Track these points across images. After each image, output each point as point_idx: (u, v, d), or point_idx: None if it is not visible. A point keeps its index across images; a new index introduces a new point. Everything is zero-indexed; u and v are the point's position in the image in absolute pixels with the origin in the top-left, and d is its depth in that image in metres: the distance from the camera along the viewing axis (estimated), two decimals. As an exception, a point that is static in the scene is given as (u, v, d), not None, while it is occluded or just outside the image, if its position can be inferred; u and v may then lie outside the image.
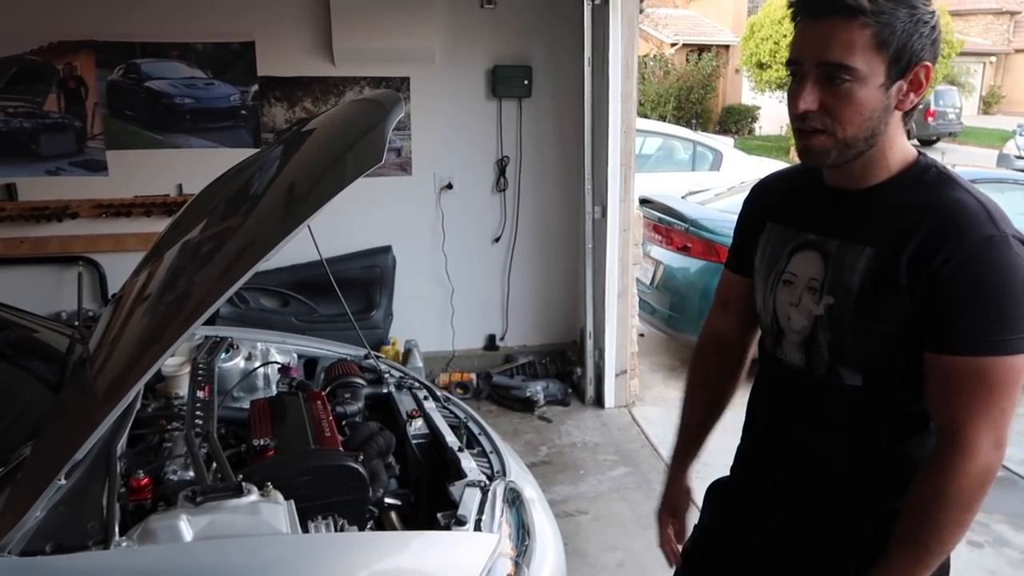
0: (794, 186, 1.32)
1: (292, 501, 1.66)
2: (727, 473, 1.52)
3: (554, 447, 3.60)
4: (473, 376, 4.20)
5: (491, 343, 4.43)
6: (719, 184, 6.23)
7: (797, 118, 1.14)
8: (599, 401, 4.03)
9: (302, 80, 3.84)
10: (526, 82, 4.01)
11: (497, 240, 4.28)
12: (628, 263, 3.87)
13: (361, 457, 1.91)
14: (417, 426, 2.23)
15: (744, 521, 1.37)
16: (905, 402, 1.17)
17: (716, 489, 1.50)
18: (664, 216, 4.73)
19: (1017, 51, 27.73)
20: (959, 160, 15.74)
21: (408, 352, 4.03)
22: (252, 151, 3.74)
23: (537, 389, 4.00)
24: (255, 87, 3.79)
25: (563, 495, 3.16)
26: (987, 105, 27.70)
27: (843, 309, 1.16)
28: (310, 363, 2.81)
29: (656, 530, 1.59)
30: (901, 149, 1.16)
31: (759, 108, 20.63)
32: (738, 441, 1.48)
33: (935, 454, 1.11)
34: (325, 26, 3.76)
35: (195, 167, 3.70)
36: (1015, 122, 21.38)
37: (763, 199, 1.39)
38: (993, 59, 27.91)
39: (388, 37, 3.76)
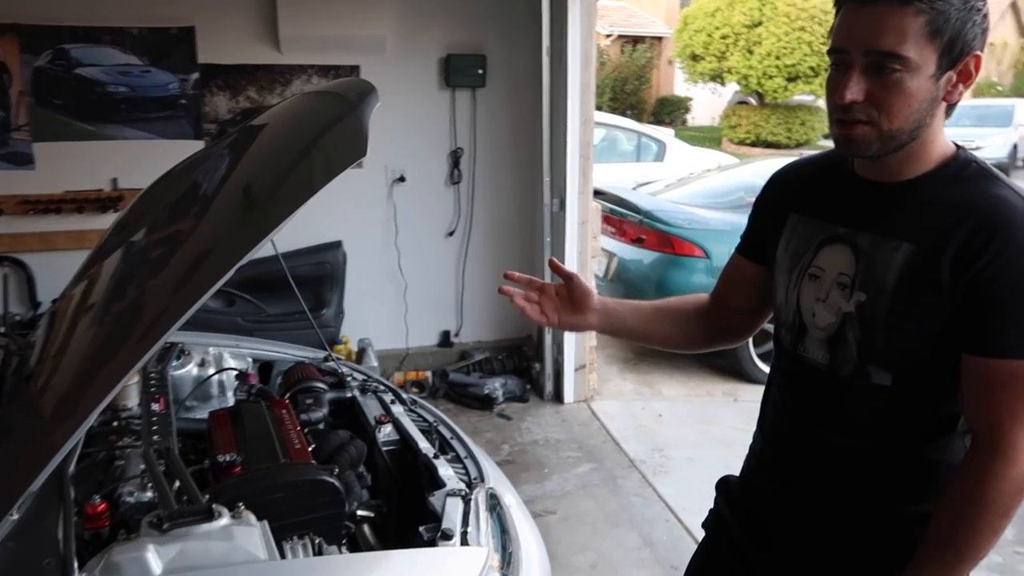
0: (820, 176, 1.27)
1: (265, 521, 1.55)
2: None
3: (516, 445, 3.54)
4: (429, 374, 4.10)
5: (445, 340, 4.33)
6: (667, 175, 6.27)
7: (840, 108, 1.08)
8: (558, 397, 3.98)
9: (246, 68, 3.65)
10: (480, 72, 3.91)
11: (451, 234, 4.18)
12: (587, 256, 3.83)
13: (336, 470, 1.80)
14: (386, 432, 2.13)
15: (763, 525, 1.33)
16: (934, 404, 1.14)
17: (727, 485, 1.45)
18: (617, 208, 4.72)
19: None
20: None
21: (362, 351, 3.90)
22: (193, 142, 3.55)
23: (496, 386, 3.92)
24: (195, 75, 3.59)
25: (529, 495, 3.09)
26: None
27: (876, 307, 1.11)
28: (264, 367, 2.66)
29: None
30: (941, 143, 1.12)
31: (691, 99, 20.98)
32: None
33: (972, 458, 1.08)
34: (270, 11, 3.58)
35: (131, 160, 3.48)
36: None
37: (784, 189, 1.33)
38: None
39: (337, 24, 3.61)
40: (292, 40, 3.62)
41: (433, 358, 4.28)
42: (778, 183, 1.36)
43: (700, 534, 2.87)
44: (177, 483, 1.69)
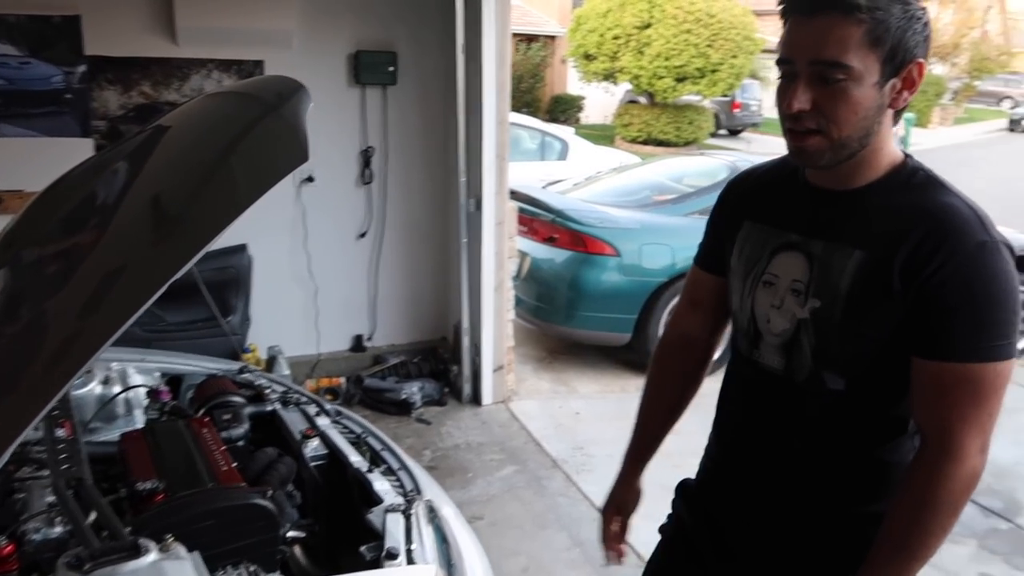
0: (773, 184, 1.29)
1: (197, 552, 1.44)
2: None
3: (438, 450, 3.48)
4: (343, 380, 3.98)
5: (358, 344, 4.21)
6: (572, 174, 6.33)
7: (789, 118, 1.10)
8: (476, 399, 3.95)
9: (139, 61, 3.41)
10: (391, 69, 3.82)
11: (363, 235, 4.07)
12: (504, 257, 3.81)
13: (270, 492, 1.70)
14: (313, 447, 2.03)
15: (721, 529, 1.34)
16: (885, 407, 1.17)
17: (687, 489, 1.46)
18: (528, 207, 4.71)
19: (805, 50, 30.57)
20: (764, 148, 17.22)
21: (272, 359, 3.73)
22: (80, 140, 3.30)
23: (413, 390, 3.85)
24: (82, 68, 3.32)
25: (455, 501, 2.99)
26: (781, 98, 30.42)
27: (830, 312, 1.13)
28: (173, 382, 2.49)
29: (600, 526, 1.54)
30: (889, 150, 1.15)
31: (585, 98, 21.38)
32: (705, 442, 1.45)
33: (922, 459, 1.12)
34: (165, 0, 3.36)
35: (11, 159, 3.19)
36: (806, 115, 23.69)
37: (739, 197, 1.35)
38: (786, 57, 30.65)
39: (240, 16, 3.43)
40: (190, 32, 3.42)
41: (346, 363, 4.15)
42: (732, 192, 1.37)
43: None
44: (92, 516, 1.55)
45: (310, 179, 3.85)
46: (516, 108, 17.81)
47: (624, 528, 1.51)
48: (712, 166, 5.22)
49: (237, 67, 3.57)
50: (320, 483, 1.97)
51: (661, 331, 4.40)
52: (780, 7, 1.10)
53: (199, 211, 1.56)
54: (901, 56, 1.06)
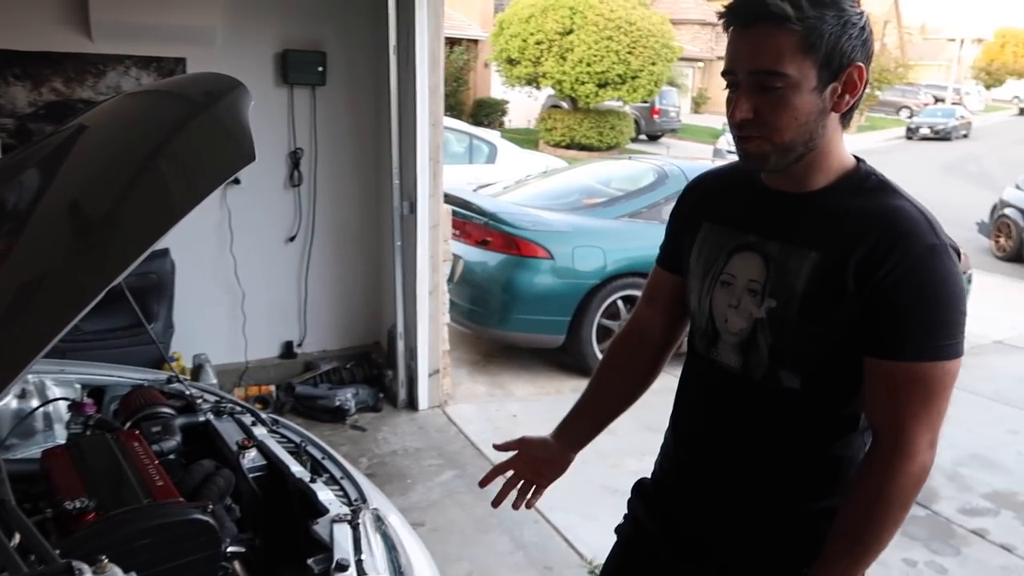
0: (731, 186, 1.31)
1: (134, 574, 1.36)
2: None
3: (375, 457, 3.42)
4: (272, 388, 3.86)
5: (288, 351, 4.10)
6: (500, 177, 6.34)
7: (735, 127, 1.14)
8: (412, 404, 3.89)
9: (51, 56, 3.22)
10: (320, 69, 3.74)
11: (292, 239, 3.96)
12: (439, 260, 3.77)
13: (210, 507, 1.62)
14: (251, 457, 1.95)
15: (677, 527, 1.35)
16: (839, 404, 1.20)
17: (643, 489, 1.46)
18: (461, 210, 4.69)
19: (720, 58, 31.43)
20: (681, 154, 17.70)
21: (199, 368, 3.59)
22: (-15, 139, 3.08)
23: (347, 396, 3.76)
24: (-14, 62, 3.12)
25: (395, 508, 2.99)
26: (697, 105, 31.42)
27: (786, 312, 1.16)
28: (95, 394, 2.36)
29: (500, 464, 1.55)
30: (840, 154, 1.18)
31: (508, 102, 21.50)
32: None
33: (874, 455, 1.15)
34: (79, -8, 3.19)
35: (-93, 159, 2.96)
36: (721, 121, 24.60)
37: (698, 198, 1.37)
38: (701, 64, 31.69)
39: (159, 11, 3.28)
40: (105, 26, 3.25)
41: (276, 371, 4.03)
42: (691, 193, 1.40)
43: (569, 532, 2.92)
44: (16, 539, 1.44)
45: (236, 181, 3.71)
46: (440, 112, 17.73)
47: (527, 480, 1.51)
48: (640, 170, 5.31)
49: (157, 64, 3.42)
50: (259, 495, 1.90)
51: (595, 333, 4.49)
52: (720, 20, 1.13)
53: (128, 218, 1.48)
54: (838, 61, 1.09)
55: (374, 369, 4.09)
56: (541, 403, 4.16)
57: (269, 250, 3.94)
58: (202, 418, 2.13)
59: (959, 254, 1.12)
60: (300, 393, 3.82)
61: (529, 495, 1.50)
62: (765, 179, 1.24)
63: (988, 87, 55.62)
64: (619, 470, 3.35)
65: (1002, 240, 9.83)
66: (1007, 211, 10.11)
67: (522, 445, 1.49)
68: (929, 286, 1.08)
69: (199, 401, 2.20)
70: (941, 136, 27.62)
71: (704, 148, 19.97)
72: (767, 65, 1.08)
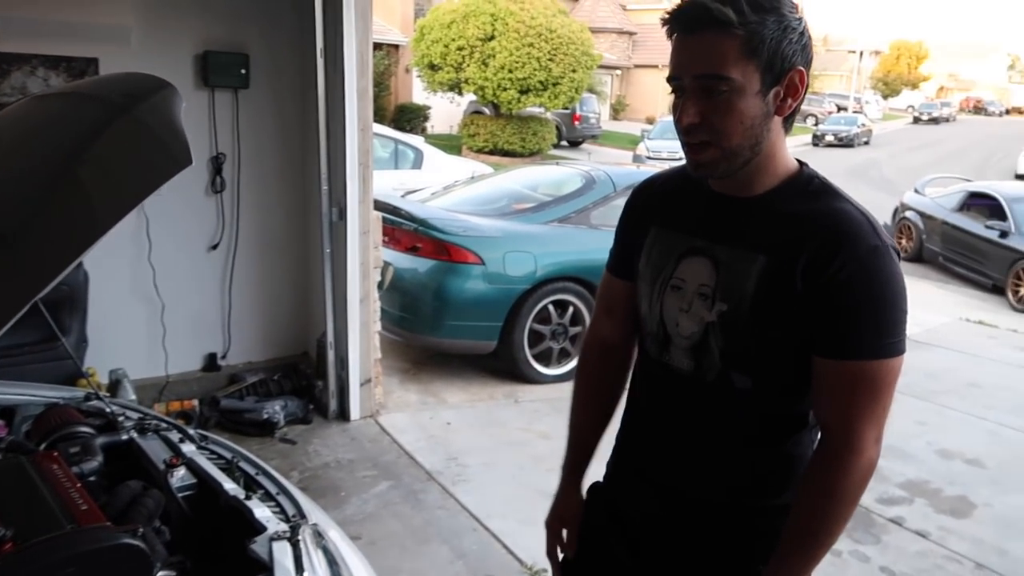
0: (678, 191, 1.33)
1: (60, 606, 1.28)
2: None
3: (306, 471, 3.32)
4: (196, 403, 3.71)
5: (212, 363, 3.95)
6: (427, 182, 6.29)
7: (683, 132, 1.16)
8: (343, 414, 3.81)
9: (-53, 54, 3.02)
10: (243, 71, 3.62)
11: (215, 247, 3.82)
12: (369, 267, 3.70)
13: (140, 530, 1.54)
14: (180, 476, 1.87)
15: (630, 528, 1.36)
16: (789, 403, 1.23)
17: (597, 491, 1.47)
18: (390, 216, 4.63)
19: (637, 66, 32.48)
20: (603, 159, 18.00)
21: (116, 383, 3.41)
22: None
23: (275, 409, 3.65)
24: None
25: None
26: (616, 112, 32.04)
27: (737, 315, 1.18)
28: (4, 414, 2.21)
29: (546, 540, 1.52)
30: (784, 157, 1.21)
31: (430, 108, 21.39)
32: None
33: (824, 452, 1.18)
34: (-21, -13, 3.00)
35: None
36: (639, 127, 25.16)
37: (645, 203, 1.38)
38: (619, 72, 32.34)
39: (69, 8, 3.12)
40: (9, 22, 3.07)
41: (199, 384, 3.87)
42: (639, 198, 1.41)
43: (508, 539, 2.91)
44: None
45: (154, 187, 3.56)
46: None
47: (571, 540, 1.48)
48: (568, 175, 5.36)
49: (67, 65, 3.24)
50: (191, 515, 1.82)
51: (527, 338, 4.50)
52: (664, 27, 1.15)
53: (44, 232, 1.39)
54: (780, 65, 1.12)
55: (303, 380, 3.98)
56: (475, 410, 4.14)
57: (190, 259, 3.79)
58: (125, 436, 2.03)
59: (899, 255, 1.16)
60: (225, 407, 3.69)
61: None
62: (712, 184, 1.26)
63: (885, 97, 58.84)
64: (555, 474, 3.31)
65: (903, 241, 10.39)
66: (907, 214, 10.70)
67: (564, 529, 1.50)
68: (874, 286, 1.12)
69: (121, 419, 2.10)
70: (845, 143, 29.04)
71: (624, 154, 20.38)
72: (712, 69, 1.10)
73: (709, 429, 1.26)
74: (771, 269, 1.16)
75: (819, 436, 1.22)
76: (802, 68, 1.14)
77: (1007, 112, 65.53)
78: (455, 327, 4.41)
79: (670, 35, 1.15)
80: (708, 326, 1.21)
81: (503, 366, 4.57)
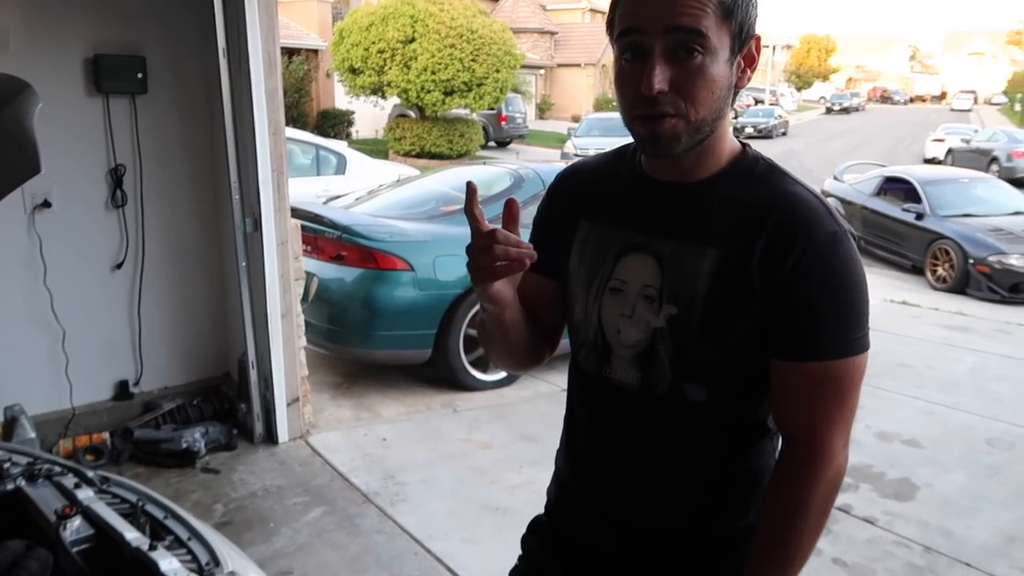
0: (609, 178, 1.18)
1: None
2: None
3: (231, 502, 3.08)
4: (106, 436, 3.42)
5: (123, 391, 3.65)
6: (352, 188, 6.07)
7: (646, 102, 0.98)
8: (271, 437, 3.58)
9: None
10: (139, 75, 3.35)
11: (119, 266, 3.53)
12: (290, 279, 3.48)
13: (21, 602, 1.33)
14: (75, 528, 1.65)
15: (583, 564, 1.21)
16: (748, 412, 1.11)
17: (539, 525, 1.31)
18: (311, 224, 4.41)
19: (560, 65, 32.67)
20: (531, 158, 17.98)
21: (12, 421, 3.10)
22: None
23: (195, 437, 3.39)
24: None
25: (259, 557, 2.70)
26: (542, 111, 32.14)
27: (689, 319, 1.04)
28: None
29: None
30: (730, 137, 1.09)
31: (354, 112, 20.99)
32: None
33: (788, 462, 1.06)
34: None
35: None
36: (565, 126, 25.29)
37: (572, 193, 1.22)
38: (542, 72, 32.45)
39: (-66, 9, 2.81)
40: None
41: (110, 415, 3.58)
42: (562, 186, 1.25)
43: (451, 560, 2.75)
44: None
45: (46, 204, 3.27)
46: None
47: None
48: (496, 174, 5.22)
49: (-64, 72, 2.92)
50: (87, 572, 1.60)
51: (462, 344, 4.33)
52: None
53: None
54: (746, 31, 1.00)
55: (225, 403, 3.73)
56: (412, 422, 3.96)
57: (92, 280, 3.49)
58: (10, 486, 1.79)
59: (856, 240, 1.05)
60: (140, 438, 3.41)
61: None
62: (647, 168, 1.11)
63: (799, 89, 60.99)
64: (498, 486, 3.22)
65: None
66: (828, 200, 10.97)
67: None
68: (836, 276, 1.00)
69: (6, 465, 1.86)
70: (764, 134, 29.85)
71: (552, 152, 20.39)
72: (689, 23, 0.94)
73: (661, 448, 1.13)
74: (724, 264, 1.02)
75: (781, 444, 1.10)
76: (758, 35, 1.03)
77: (911, 100, 68.86)
78: (387, 337, 4.22)
79: None
80: (655, 332, 1.07)
81: (440, 375, 4.40)
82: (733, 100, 1.07)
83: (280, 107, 3.28)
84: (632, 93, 0.99)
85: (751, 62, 1.03)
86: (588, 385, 1.19)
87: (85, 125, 3.34)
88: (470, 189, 1.04)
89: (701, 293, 1.03)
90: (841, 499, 3.24)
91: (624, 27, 0.98)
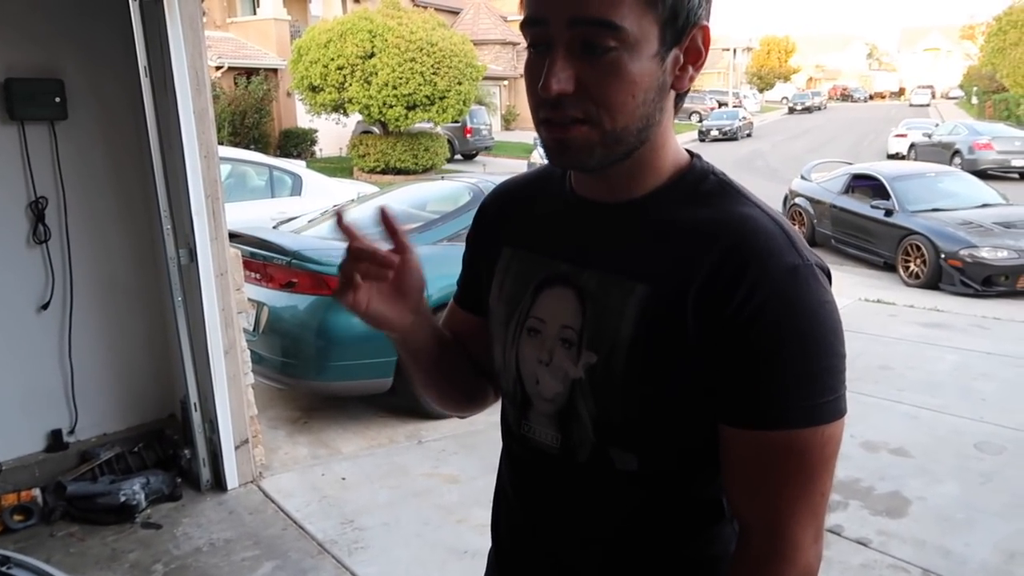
0: (536, 199, 0.98)
1: None
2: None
3: (173, 561, 2.81)
4: (37, 492, 3.13)
5: (57, 441, 3.36)
6: (307, 209, 5.82)
7: (546, 105, 0.79)
8: (219, 484, 3.31)
9: None
10: (57, 99, 3.09)
11: (45, 306, 3.25)
12: (232, 313, 3.23)
13: None
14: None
15: None
16: (695, 488, 0.89)
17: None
18: (258, 251, 4.16)
19: (523, 75, 32.61)
20: (498, 170, 17.83)
21: (-76, 486, 2.81)
22: None
23: (134, 489, 3.12)
24: None
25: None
26: (507, 122, 32.06)
27: (610, 370, 0.83)
28: None
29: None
30: (673, 148, 0.88)
31: (317, 131, 20.69)
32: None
33: (745, 559, 0.83)
34: None
35: None
36: (531, 136, 25.18)
37: (496, 216, 1.02)
38: (506, 82, 32.38)
39: None
40: None
41: (42, 468, 3.29)
42: (489, 210, 1.05)
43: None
44: None
45: (-42, 244, 2.99)
46: (244, 145, 16.83)
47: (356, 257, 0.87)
48: (455, 189, 5.02)
49: None
50: None
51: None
52: None
53: None
54: (684, 17, 0.79)
55: (169, 448, 3.46)
56: (373, 457, 3.71)
57: (16, 322, 3.21)
58: None
59: (829, 276, 0.82)
60: (73, 493, 3.12)
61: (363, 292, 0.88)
62: (575, 185, 0.91)
63: (761, 90, 61.79)
64: (466, 525, 2.99)
65: (796, 228, 10.58)
66: (797, 200, 10.93)
67: (404, 254, 0.89)
68: (796, 321, 0.77)
69: None
70: (729, 136, 30.09)
71: (519, 163, 20.28)
72: (598, 13, 0.75)
73: (586, 525, 0.91)
74: (653, 303, 0.82)
75: (738, 532, 0.87)
76: (707, 24, 0.82)
77: (871, 97, 70.10)
78: (345, 368, 3.98)
79: None
80: (574, 384, 0.86)
81: (403, 403, 4.16)
82: (679, 106, 0.86)
83: (211, 127, 3.03)
84: (535, 94, 0.80)
85: (696, 57, 0.82)
86: (507, 441, 1.00)
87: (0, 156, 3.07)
88: (380, 214, 0.88)
89: (624, 339, 0.82)
90: (831, 519, 3.05)
91: (526, 16, 0.79)
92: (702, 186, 0.87)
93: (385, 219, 0.88)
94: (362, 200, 5.79)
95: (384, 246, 0.87)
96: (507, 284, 0.95)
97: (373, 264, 0.86)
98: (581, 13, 0.75)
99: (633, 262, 0.84)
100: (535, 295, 0.91)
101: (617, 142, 0.80)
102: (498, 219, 1.02)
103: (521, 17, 0.81)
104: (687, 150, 0.90)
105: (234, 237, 4.15)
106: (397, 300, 0.90)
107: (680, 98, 0.85)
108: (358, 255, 0.86)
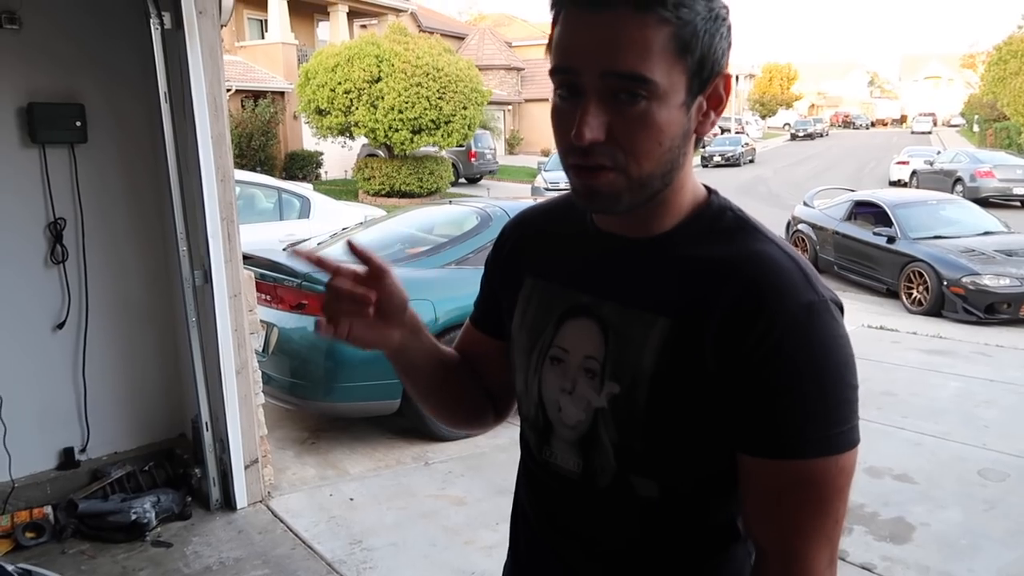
0: (559, 229, 1.02)
1: None
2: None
3: (183, 579, 2.84)
4: (49, 510, 3.16)
5: (69, 459, 3.40)
6: (316, 232, 5.89)
7: (577, 151, 0.82)
8: (228, 503, 3.34)
9: None
10: (78, 123, 3.17)
11: (61, 326, 3.31)
12: (244, 334, 3.28)
13: None
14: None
15: None
16: (712, 512, 0.93)
17: None
18: (269, 272, 4.22)
19: (527, 100, 32.91)
20: (502, 194, 17.95)
21: (-61, 502, 2.85)
22: None
23: (145, 507, 3.15)
24: None
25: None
26: (511, 146, 32.30)
27: (633, 401, 0.87)
28: None
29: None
30: (692, 185, 0.92)
31: (323, 154, 20.87)
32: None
33: None
34: None
35: None
36: (535, 160, 25.40)
37: (518, 245, 1.06)
38: (510, 107, 32.68)
39: None
40: None
41: (53, 486, 3.32)
42: (510, 237, 1.09)
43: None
44: None
45: (-22, 263, 3.05)
46: (250, 167, 16.97)
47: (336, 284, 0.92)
48: (462, 214, 5.08)
49: None
50: None
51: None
52: None
53: None
54: (710, 67, 0.82)
55: (180, 468, 3.49)
56: (380, 479, 3.74)
57: (31, 341, 3.26)
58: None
59: (842, 310, 0.86)
60: (84, 511, 3.16)
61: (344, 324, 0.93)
62: (597, 220, 0.95)
63: (763, 117, 62.20)
64: (473, 547, 3.01)
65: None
66: (800, 227, 11.00)
67: (381, 277, 0.93)
68: (810, 357, 0.81)
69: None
70: (732, 162, 30.28)
71: (523, 187, 20.43)
72: (630, 66, 0.78)
73: (606, 549, 0.95)
74: (675, 336, 0.85)
75: (754, 555, 0.91)
76: (729, 73, 0.86)
77: (872, 124, 70.52)
78: (353, 389, 4.02)
79: (558, 7, 0.82)
80: (597, 413, 0.90)
81: (410, 424, 4.20)
82: (696, 144, 0.90)
83: (228, 152, 3.10)
84: (566, 140, 0.83)
85: (717, 103, 0.86)
86: (528, 466, 1.04)
87: (21, 178, 3.14)
88: (349, 247, 0.93)
89: (647, 371, 0.86)
90: (835, 544, 3.07)
91: (556, 65, 0.83)
92: (720, 223, 0.90)
93: (355, 251, 0.92)
94: (369, 224, 5.86)
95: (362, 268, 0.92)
96: (529, 313, 0.99)
97: (352, 304, 0.91)
98: (614, 67, 0.78)
99: (653, 296, 0.88)
100: (558, 325, 0.95)
101: (643, 187, 0.84)
102: (519, 247, 1.06)
103: (550, 65, 0.84)
104: (704, 185, 0.95)
105: (245, 259, 4.22)
106: (379, 322, 0.94)
107: (699, 139, 0.89)
108: (338, 295, 0.91)
